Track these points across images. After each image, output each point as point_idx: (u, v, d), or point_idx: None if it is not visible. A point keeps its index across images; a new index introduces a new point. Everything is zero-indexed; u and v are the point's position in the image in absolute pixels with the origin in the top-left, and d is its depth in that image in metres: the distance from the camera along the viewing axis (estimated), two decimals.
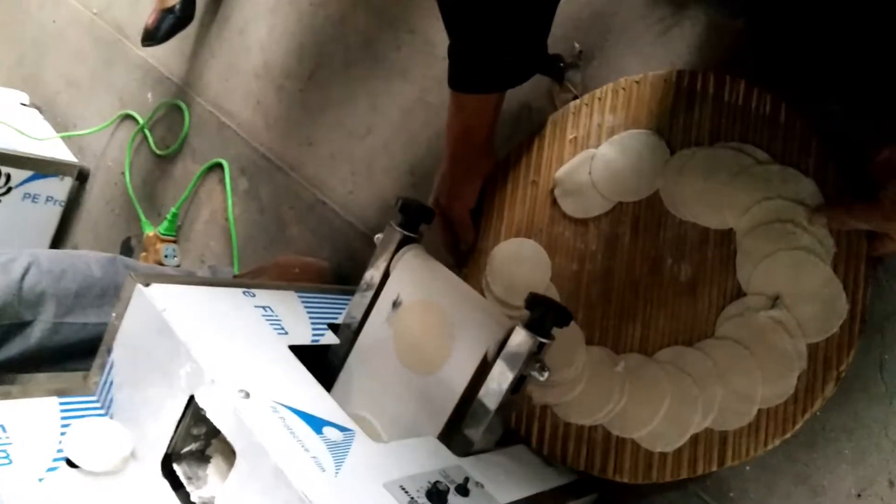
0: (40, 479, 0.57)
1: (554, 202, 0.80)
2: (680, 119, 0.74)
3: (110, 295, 1.01)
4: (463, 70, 0.74)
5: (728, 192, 0.69)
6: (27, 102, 1.78)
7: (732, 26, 0.76)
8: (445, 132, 0.80)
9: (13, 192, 1.51)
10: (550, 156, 0.82)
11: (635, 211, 0.75)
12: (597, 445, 0.72)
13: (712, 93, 0.72)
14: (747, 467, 0.71)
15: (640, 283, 0.73)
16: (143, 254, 1.35)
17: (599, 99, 0.79)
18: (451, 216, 0.85)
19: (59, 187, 1.58)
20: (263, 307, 0.73)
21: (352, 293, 0.78)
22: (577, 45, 0.86)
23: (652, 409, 0.69)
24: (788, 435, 0.64)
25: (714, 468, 0.66)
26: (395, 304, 0.73)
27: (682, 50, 0.79)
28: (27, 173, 1.52)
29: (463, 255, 0.87)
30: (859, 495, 0.66)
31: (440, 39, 1.01)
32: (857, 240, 0.64)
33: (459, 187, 0.83)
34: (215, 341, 0.63)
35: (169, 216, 1.34)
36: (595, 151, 0.78)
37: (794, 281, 0.65)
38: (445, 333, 0.69)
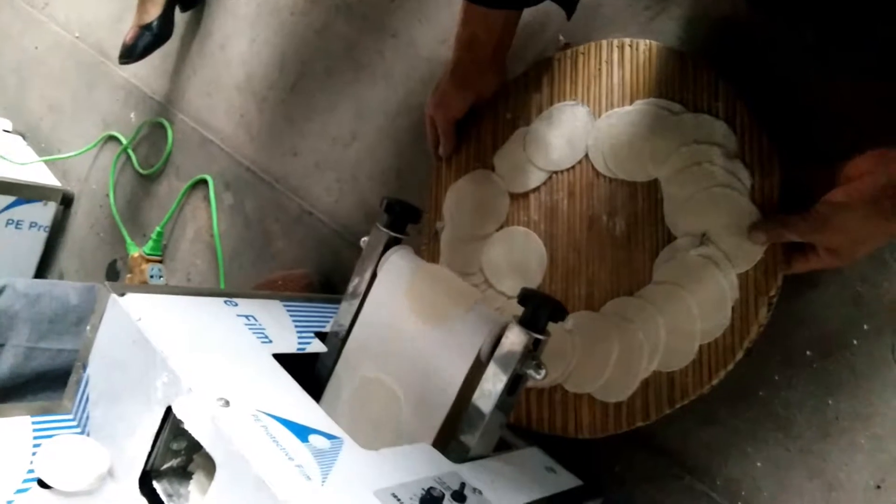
0: (9, 502, 0.54)
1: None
2: (601, 85, 0.77)
3: (87, 322, 0.98)
4: None
5: (648, 145, 0.72)
6: (10, 129, 1.75)
7: (718, 9, 0.74)
8: (453, 40, 0.80)
9: None
10: (494, 139, 0.85)
11: (569, 177, 0.78)
12: (557, 406, 0.74)
13: (625, 57, 0.76)
14: (758, 463, 0.68)
15: (581, 243, 0.76)
16: (129, 275, 1.32)
17: (528, 76, 0.83)
18: (436, 121, 0.85)
19: (43, 212, 1.55)
20: (246, 316, 0.70)
21: (339, 301, 0.76)
22: (561, 37, 0.84)
23: (603, 360, 0.71)
24: (731, 367, 0.64)
25: (666, 410, 0.67)
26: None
27: (671, 36, 0.77)
28: (10, 199, 1.49)
29: (441, 159, 0.88)
30: (879, 486, 0.62)
31: (424, 42, 0.99)
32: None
33: (450, 95, 0.83)
34: (193, 350, 0.60)
35: (154, 235, 1.31)
36: (528, 128, 0.82)
37: (715, 216, 0.67)
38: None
